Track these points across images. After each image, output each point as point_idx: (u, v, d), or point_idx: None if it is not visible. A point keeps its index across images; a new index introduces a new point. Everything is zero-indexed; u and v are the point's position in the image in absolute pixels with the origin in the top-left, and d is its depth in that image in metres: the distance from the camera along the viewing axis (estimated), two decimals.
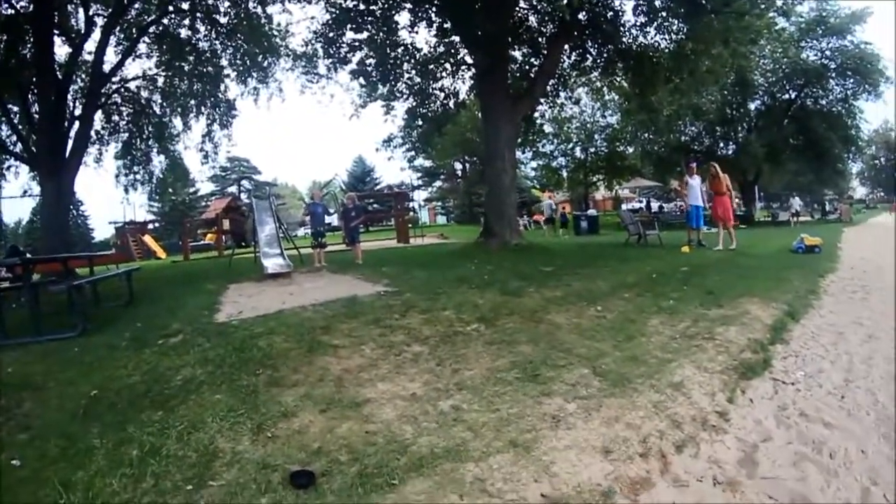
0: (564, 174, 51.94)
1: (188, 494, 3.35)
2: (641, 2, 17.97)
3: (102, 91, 19.70)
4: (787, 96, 39.63)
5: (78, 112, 18.85)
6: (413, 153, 28.00)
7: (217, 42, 21.18)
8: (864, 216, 47.67)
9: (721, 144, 42.43)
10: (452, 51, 20.40)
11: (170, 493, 3.37)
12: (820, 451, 3.91)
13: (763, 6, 16.37)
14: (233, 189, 72.64)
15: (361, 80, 19.69)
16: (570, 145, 48.12)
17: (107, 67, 19.17)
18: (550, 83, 21.34)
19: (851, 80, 36.56)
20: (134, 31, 19.99)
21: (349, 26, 18.46)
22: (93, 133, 21.14)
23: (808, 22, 35.76)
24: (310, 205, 17.43)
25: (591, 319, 7.32)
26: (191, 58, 20.91)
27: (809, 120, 37.90)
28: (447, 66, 20.90)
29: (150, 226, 49.70)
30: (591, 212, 34.92)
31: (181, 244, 33.32)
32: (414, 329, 6.74)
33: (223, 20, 20.61)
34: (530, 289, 9.20)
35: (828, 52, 36.63)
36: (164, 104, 22.64)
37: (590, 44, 20.05)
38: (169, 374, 5.37)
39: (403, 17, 19.04)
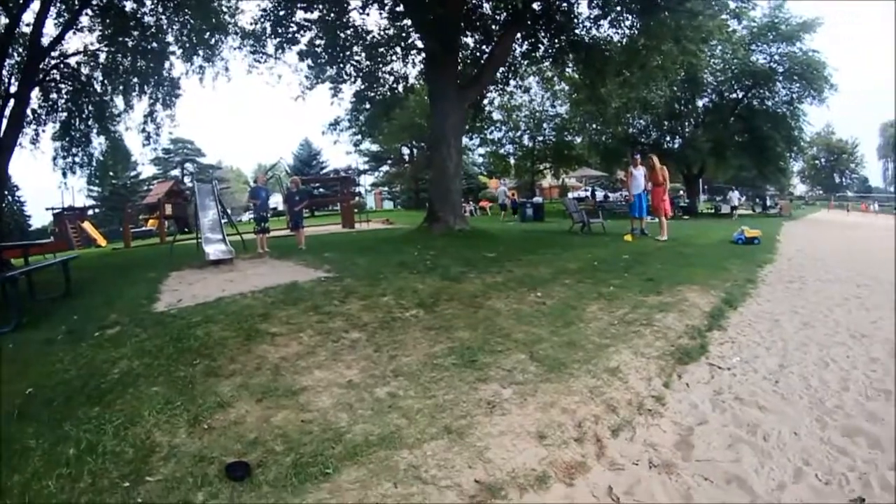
0: (512, 161, 51.98)
1: (125, 492, 3.28)
2: None
3: (40, 67, 18.78)
4: (734, 95, 40.02)
5: (13, 89, 17.98)
6: (359, 137, 27.56)
7: (163, 17, 20.13)
8: (803, 212, 48.77)
9: (668, 138, 42.83)
10: (403, 34, 20.10)
11: (107, 491, 3.30)
12: (754, 434, 3.97)
13: (716, 7, 16.65)
14: (176, 172, 71.59)
15: (310, 61, 19.33)
16: (519, 133, 48.04)
17: (46, 42, 18.30)
18: (500, 71, 21.28)
19: (797, 85, 37.15)
20: (76, 2, 18.97)
21: (299, 5, 18.11)
22: (29, 112, 20.14)
23: (760, 27, 36.25)
24: (253, 189, 17.15)
25: (531, 305, 7.32)
26: (135, 33, 19.84)
27: (755, 119, 38.46)
28: (397, 49, 20.63)
29: (90, 212, 48.01)
30: (537, 199, 34.94)
31: (122, 231, 32.04)
32: (353, 315, 6.68)
33: None
34: (471, 275, 9.20)
35: (777, 57, 37.16)
36: (106, 82, 21.55)
37: (542, 34, 19.96)
38: (106, 367, 5.26)
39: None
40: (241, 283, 9.16)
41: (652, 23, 16.31)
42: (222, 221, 14.45)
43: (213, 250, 12.54)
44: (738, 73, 37.66)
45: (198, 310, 7.12)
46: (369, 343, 5.75)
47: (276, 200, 38.06)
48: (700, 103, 41.22)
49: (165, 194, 39.04)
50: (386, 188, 68.93)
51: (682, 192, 45.35)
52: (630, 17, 18.04)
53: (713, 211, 42.61)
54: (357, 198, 40.09)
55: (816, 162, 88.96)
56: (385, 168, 66.65)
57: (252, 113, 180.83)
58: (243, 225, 22.39)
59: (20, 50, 19.00)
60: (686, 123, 41.89)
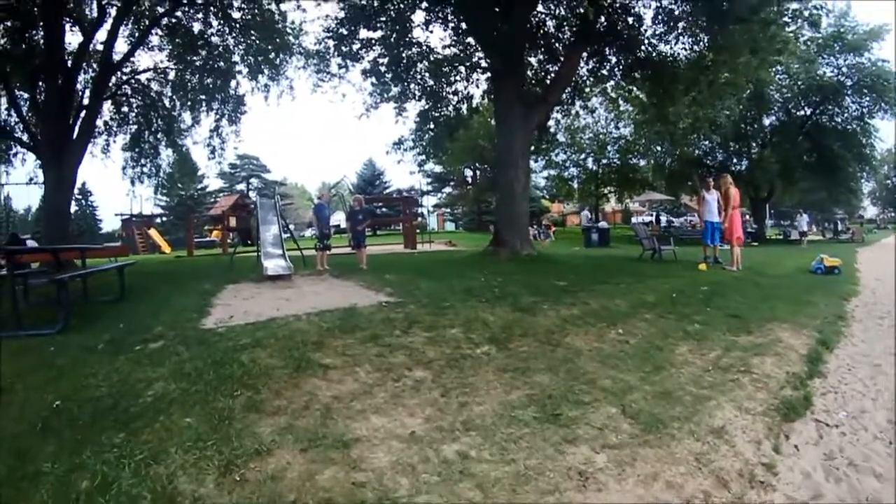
0: (575, 185, 51.41)
1: None
2: (661, 10, 17.73)
3: (112, 82, 19.73)
4: (802, 113, 39.03)
5: (86, 101, 18.75)
6: (423, 157, 27.29)
7: (230, 37, 21.11)
8: (875, 236, 47.38)
9: (734, 160, 41.88)
10: (467, 52, 19.98)
11: None
12: None
13: (790, 17, 16.03)
14: (241, 187, 72.94)
15: (373, 79, 19.33)
16: (583, 156, 47.62)
17: (118, 58, 19.17)
18: (566, 91, 20.93)
19: (867, 98, 36.03)
20: (146, 21, 19.88)
21: (362, 24, 18.12)
22: (102, 124, 21.37)
23: (826, 38, 35.07)
24: (317, 206, 16.99)
25: (612, 344, 6.65)
26: (202, 52, 20.85)
27: (824, 137, 37.31)
28: (461, 68, 20.45)
29: (158, 220, 49.44)
30: (603, 224, 34.29)
31: (186, 239, 32.87)
32: (416, 350, 6.06)
33: (237, 15, 20.58)
34: (544, 305, 8.55)
35: (844, 69, 36.12)
36: (174, 98, 22.53)
37: (608, 51, 19.68)
38: (140, 387, 4.85)
39: (418, 16, 18.56)
40: (297, 301, 8.83)
41: (723, 35, 15.87)
42: (283, 237, 14.37)
43: (272, 265, 12.47)
44: (806, 88, 36.93)
45: (247, 330, 6.69)
46: (435, 385, 5.11)
47: (339, 218, 38.12)
48: (767, 122, 40.59)
49: (230, 207, 39.54)
50: (448, 209, 68.86)
51: (748, 217, 44.15)
52: (697, 32, 17.65)
53: (782, 237, 41.42)
54: (419, 219, 39.96)
55: (888, 182, 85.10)
56: (448, 189, 66.82)
57: (318, 131, 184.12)
58: (305, 241, 22.43)
59: (94, 65, 19.78)
60: (753, 144, 40.90)
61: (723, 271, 14.19)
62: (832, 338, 7.35)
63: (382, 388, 4.99)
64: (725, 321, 7.93)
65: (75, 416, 4.24)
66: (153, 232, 40.91)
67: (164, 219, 56.71)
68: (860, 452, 4.14)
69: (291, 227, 27.15)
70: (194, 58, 20.87)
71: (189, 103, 22.31)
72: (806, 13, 16.56)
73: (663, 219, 52.05)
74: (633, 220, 41.08)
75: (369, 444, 3.89)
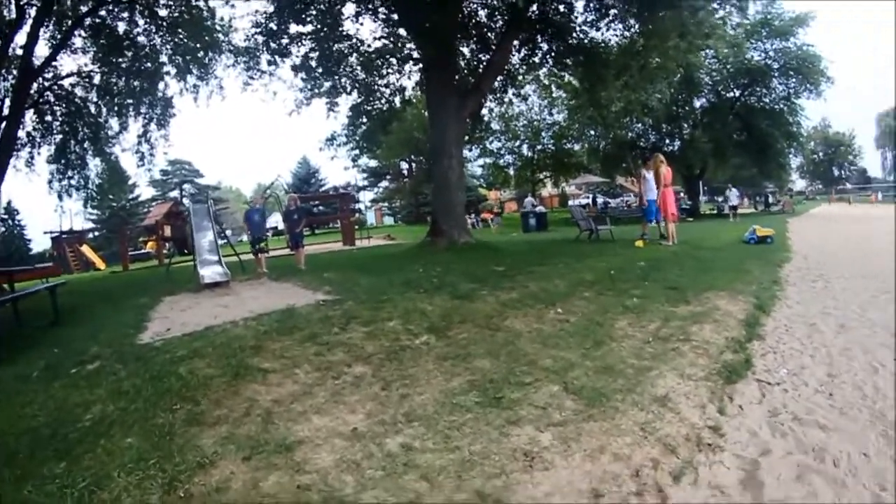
0: (511, 172, 51.78)
1: None
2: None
3: (33, 89, 18.91)
4: (731, 94, 40.41)
5: (6, 111, 17.97)
6: (357, 152, 26.97)
7: (157, 36, 20.24)
8: (805, 207, 49.21)
9: (667, 141, 42.78)
10: (398, 44, 19.86)
11: None
12: (822, 460, 3.49)
13: (718, 2, 16.56)
14: (175, 194, 71.03)
15: (304, 74, 19.07)
16: (518, 143, 48.10)
17: (39, 62, 18.41)
18: (499, 79, 21.08)
19: (794, 80, 37.67)
20: (68, 22, 19.04)
21: (292, 18, 17.87)
22: (24, 135, 20.39)
23: (754, 24, 36.58)
24: (247, 212, 16.68)
25: (552, 324, 6.62)
26: (128, 53, 19.96)
27: (753, 117, 38.90)
28: (393, 60, 20.38)
29: (90, 235, 47.64)
30: (540, 208, 34.48)
31: (120, 253, 31.85)
32: (355, 345, 5.97)
33: (163, 13, 19.77)
34: (483, 291, 8.54)
35: (771, 53, 37.69)
36: (100, 103, 21.57)
37: (540, 39, 19.81)
38: (78, 411, 4.61)
39: (349, 9, 18.33)
40: (236, 308, 8.64)
41: (653, 21, 16.13)
42: (219, 243, 14.02)
43: (209, 273, 12.15)
44: (735, 71, 38.31)
45: (184, 341, 6.51)
46: (375, 379, 5.01)
47: (276, 220, 37.58)
48: (698, 104, 41.75)
49: (164, 216, 38.60)
50: (386, 204, 68.48)
51: (682, 195, 44.99)
52: (628, 19, 17.85)
53: (716, 212, 42.42)
54: (357, 214, 39.71)
55: (815, 156, 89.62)
56: (384, 183, 66.29)
57: (250, 132, 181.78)
58: (242, 246, 21.95)
59: (14, 72, 18.89)
60: (685, 125, 42.07)
61: (659, 247, 14.42)
62: (768, 302, 7.56)
63: (322, 387, 4.89)
64: (664, 293, 8.00)
65: (13, 449, 4.02)
66: (86, 248, 39.25)
67: (97, 233, 54.42)
68: (803, 407, 4.25)
69: (228, 232, 26.54)
70: (120, 59, 20.01)
71: (116, 108, 21.41)
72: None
73: (600, 200, 52.69)
74: (570, 202, 41.45)
75: (312, 445, 3.80)
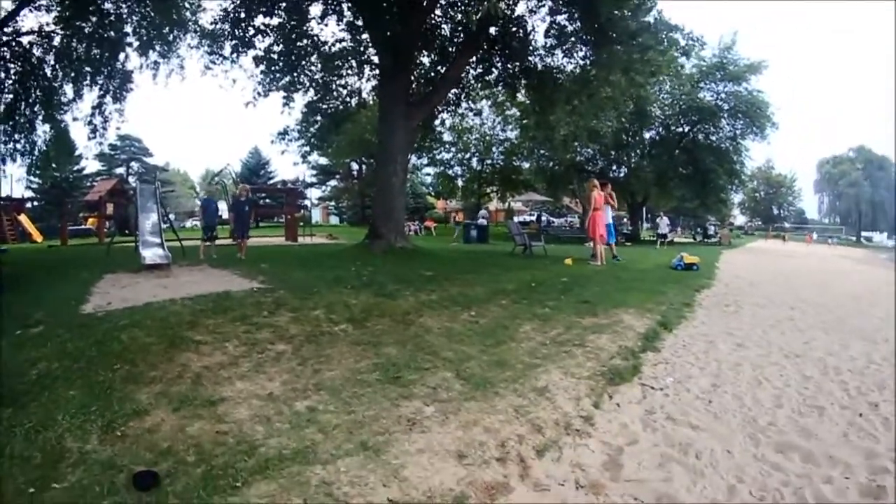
0: (459, 183, 52.27)
1: (30, 498, 3.10)
2: (554, 27, 18.31)
3: None
4: (681, 129, 41.34)
5: None
6: (308, 149, 27.05)
7: (124, 5, 19.18)
8: (742, 241, 50.62)
9: (614, 167, 43.55)
10: (360, 48, 20.09)
11: (11, 496, 3.11)
12: (686, 453, 3.88)
13: (666, 44, 17.04)
14: (121, 171, 69.02)
15: (264, 66, 19.05)
16: (468, 155, 48.50)
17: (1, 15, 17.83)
18: (453, 92, 21.43)
19: (741, 122, 38.91)
20: None
21: (260, 9, 17.90)
22: None
23: (709, 66, 38.15)
24: (205, 200, 16.71)
25: (463, 324, 7.21)
26: (93, 18, 18.81)
27: (699, 152, 39.98)
28: (353, 62, 20.63)
29: (28, 204, 45.64)
30: (482, 221, 34.88)
31: (60, 228, 30.83)
32: (280, 327, 6.53)
33: None
34: (406, 292, 9.07)
35: (723, 95, 38.86)
36: (57, 67, 20.41)
37: (497, 58, 20.16)
38: (25, 367, 5.09)
39: (316, 8, 18.48)
40: (174, 289, 8.92)
41: (603, 54, 16.58)
42: (162, 226, 14.04)
43: (150, 254, 12.20)
44: (686, 108, 39.18)
45: (125, 314, 6.91)
46: (294, 356, 5.58)
47: (223, 208, 37.41)
48: (647, 135, 42.44)
49: (107, 192, 37.60)
50: (333, 203, 68.23)
51: (625, 220, 45.92)
52: (582, 48, 18.37)
53: (655, 238, 43.35)
54: (303, 211, 39.56)
55: (756, 195, 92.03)
56: (333, 182, 65.90)
57: (204, 117, 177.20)
58: (185, 231, 21.68)
59: None
60: (632, 154, 42.85)
61: (587, 266, 15.00)
62: (673, 320, 8.08)
63: (248, 359, 5.45)
64: (575, 307, 8.56)
65: None
66: (24, 218, 36.94)
67: (36, 203, 51.87)
68: (679, 409, 4.71)
69: (171, 216, 26.11)
70: (83, 24, 18.96)
71: (73, 74, 20.29)
72: (683, 43, 17.82)
73: (544, 218, 53.33)
74: (515, 219, 42.04)
75: (233, 403, 4.41)
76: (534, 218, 53.12)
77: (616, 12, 15.47)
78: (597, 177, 31.73)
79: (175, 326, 6.25)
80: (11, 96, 20.63)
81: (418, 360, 5.45)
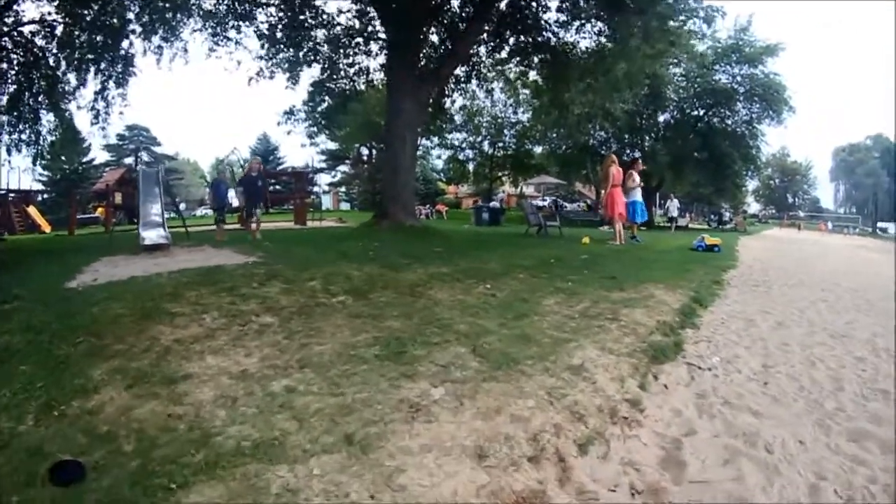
0: (471, 168, 51.68)
1: None
2: (566, 1, 17.87)
3: None
4: (696, 113, 40.69)
5: None
6: (315, 129, 26.41)
7: None
8: (757, 228, 49.69)
9: (628, 151, 42.85)
10: (366, 23, 19.56)
11: None
12: (754, 445, 3.21)
13: (686, 13, 16.57)
14: (130, 161, 68.83)
15: (268, 44, 18.69)
16: (479, 139, 47.97)
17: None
18: (464, 70, 20.99)
19: (757, 106, 38.09)
20: None
21: None
22: None
23: (725, 48, 37.21)
24: (215, 181, 16.27)
25: (477, 297, 6.38)
26: (95, 6, 18.50)
27: (714, 137, 39.20)
28: (359, 40, 20.11)
29: (39, 197, 45.25)
30: (494, 203, 34.27)
31: (69, 217, 30.12)
32: (270, 298, 5.76)
33: None
34: (415, 265, 8.28)
35: (739, 78, 37.96)
36: (60, 55, 20.25)
37: (508, 33, 19.60)
38: None
39: None
40: (168, 266, 8.22)
41: (621, 26, 16.00)
42: (164, 209, 13.47)
43: (150, 235, 11.60)
44: (701, 91, 38.57)
45: (106, 287, 6.34)
46: (281, 329, 4.80)
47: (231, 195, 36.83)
48: (661, 118, 41.97)
49: (116, 182, 37.16)
50: (343, 189, 67.45)
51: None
52: (598, 23, 17.85)
53: (668, 223, 42.71)
54: (312, 197, 38.93)
55: (771, 182, 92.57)
56: (344, 168, 65.10)
57: (213, 107, 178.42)
58: (194, 220, 21.28)
59: None
60: (647, 137, 42.29)
61: (605, 245, 14.46)
62: (707, 297, 7.36)
63: (226, 332, 4.77)
64: (600, 281, 7.78)
65: None
66: (32, 210, 37.22)
67: (46, 195, 52.21)
68: (734, 392, 4.03)
69: (182, 205, 25.51)
70: (85, 11, 18.64)
71: (75, 62, 20.01)
72: (702, 13, 17.07)
73: (554, 202, 52.62)
74: (526, 199, 41.73)
75: (197, 381, 3.73)
76: (546, 203, 52.36)
77: None
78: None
79: (154, 298, 5.56)
80: (15, 87, 20.42)
81: (426, 335, 4.59)
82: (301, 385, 3.56)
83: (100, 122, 20.87)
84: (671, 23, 16.03)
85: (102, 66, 19.85)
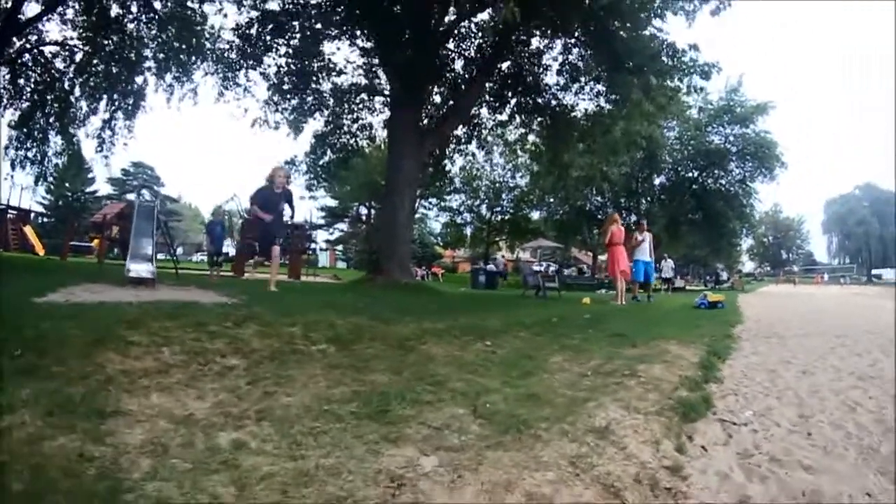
0: (468, 231, 51.57)
1: None
2: (567, 63, 18.21)
3: (14, 47, 18.44)
4: (690, 174, 41.29)
5: None
6: (315, 182, 26.15)
7: (145, 27, 19.50)
8: (753, 286, 49.68)
9: (624, 214, 43.05)
10: (371, 79, 19.84)
11: None
12: None
13: (684, 69, 16.44)
14: (132, 196, 68.64)
15: (274, 83, 18.89)
16: (477, 202, 48.16)
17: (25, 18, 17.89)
18: (464, 129, 21.15)
19: (750, 164, 38.84)
20: None
21: (271, 26, 17.67)
22: None
23: (717, 110, 38.19)
24: (210, 223, 15.60)
25: (476, 354, 5.67)
26: (115, 38, 19.20)
27: (709, 197, 39.93)
28: (364, 95, 20.33)
29: (39, 220, 44.00)
30: (491, 266, 33.91)
31: (63, 243, 30.24)
32: (241, 340, 5.03)
33: (158, 6, 19.13)
34: (407, 318, 7.49)
35: (731, 138, 38.79)
36: (76, 80, 20.49)
37: (510, 94, 19.75)
38: None
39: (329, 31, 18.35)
40: (144, 298, 7.46)
41: (620, 83, 16.06)
42: (155, 243, 12.99)
43: (137, 267, 10.81)
44: (695, 152, 39.30)
45: (70, 307, 5.72)
46: (246, 373, 4.16)
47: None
48: (657, 181, 42.66)
49: (115, 215, 36.27)
50: (341, 248, 66.88)
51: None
52: (597, 85, 18.19)
53: (664, 286, 42.63)
54: (309, 252, 38.41)
55: (765, 239, 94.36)
56: (342, 226, 64.66)
57: (219, 155, 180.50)
58: (187, 263, 20.78)
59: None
60: (643, 200, 43.02)
61: (608, 304, 14.17)
62: (723, 351, 6.82)
63: (183, 369, 4.16)
64: (608, 339, 7.15)
65: None
66: (29, 230, 36.13)
67: (45, 219, 51.58)
68: (780, 448, 3.45)
69: (179, 249, 24.85)
70: (106, 42, 19.25)
71: (89, 89, 20.41)
72: (699, 69, 16.99)
73: (553, 268, 52.38)
74: (524, 259, 41.86)
75: (130, 420, 3.15)
76: (543, 268, 52.06)
77: (631, 38, 15.08)
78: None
79: (114, 324, 4.88)
80: (28, 104, 20.57)
81: (416, 391, 3.86)
82: (254, 441, 2.86)
83: (103, 151, 21.23)
84: (668, 78, 16.13)
85: (115, 96, 20.31)
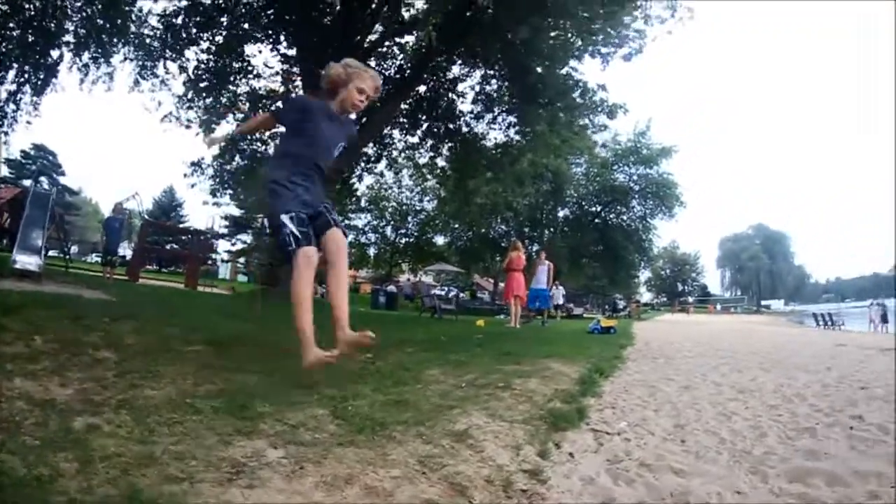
0: (372, 252, 51.43)
1: None
2: (482, 93, 18.72)
3: None
4: (594, 209, 43.41)
5: None
6: (219, 188, 25.25)
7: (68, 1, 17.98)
8: (650, 315, 52.07)
9: (528, 243, 43.87)
10: (287, 83, 19.69)
11: None
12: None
13: (592, 107, 17.18)
14: (28, 183, 64.67)
15: (190, 77, 18.54)
16: (383, 223, 48.32)
17: None
18: (374, 148, 21.33)
19: (651, 203, 41.44)
20: None
21: (198, 18, 17.40)
22: None
23: (624, 150, 40.57)
24: (108, 219, 14.99)
25: (356, 363, 5.53)
26: (37, 2, 17.50)
27: (611, 231, 42.19)
28: (279, 104, 19.49)
29: None
30: (391, 287, 33.99)
31: None
32: (116, 335, 4.90)
33: None
34: (291, 328, 7.36)
35: (635, 177, 41.23)
36: None
37: (423, 117, 20.06)
38: None
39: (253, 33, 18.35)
40: (27, 290, 7.39)
41: (529, 113, 16.58)
42: (46, 236, 12.61)
43: (23, 259, 10.86)
44: (599, 189, 41.76)
45: None
46: (115, 367, 3.98)
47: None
48: (561, 213, 44.55)
49: (7, 202, 34.04)
50: (243, 261, 65.16)
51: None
52: (509, 116, 18.76)
53: (565, 313, 43.38)
54: (209, 263, 37.36)
55: (662, 272, 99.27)
56: (245, 237, 62.58)
57: (126, 151, 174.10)
58: (80, 264, 19.73)
59: None
60: (546, 231, 44.31)
61: (502, 326, 14.67)
62: (607, 369, 6.99)
63: (52, 357, 3.97)
64: (495, 357, 7.11)
65: None
66: None
67: None
68: (651, 454, 3.50)
69: (74, 248, 23.59)
70: (27, 5, 17.46)
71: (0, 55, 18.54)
72: (606, 108, 17.80)
73: (452, 293, 52.69)
74: (425, 280, 42.29)
75: None
76: (443, 293, 52.37)
77: (548, 73, 15.64)
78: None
79: None
80: None
81: (283, 393, 3.84)
82: (108, 426, 2.77)
83: (3, 126, 19.63)
84: (577, 117, 16.99)
85: (26, 67, 18.66)
